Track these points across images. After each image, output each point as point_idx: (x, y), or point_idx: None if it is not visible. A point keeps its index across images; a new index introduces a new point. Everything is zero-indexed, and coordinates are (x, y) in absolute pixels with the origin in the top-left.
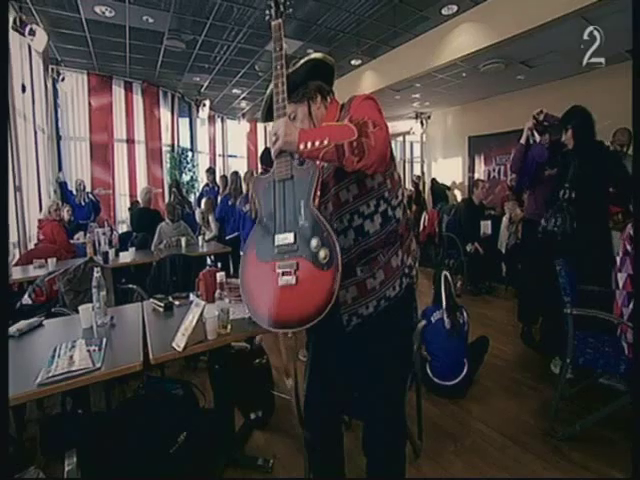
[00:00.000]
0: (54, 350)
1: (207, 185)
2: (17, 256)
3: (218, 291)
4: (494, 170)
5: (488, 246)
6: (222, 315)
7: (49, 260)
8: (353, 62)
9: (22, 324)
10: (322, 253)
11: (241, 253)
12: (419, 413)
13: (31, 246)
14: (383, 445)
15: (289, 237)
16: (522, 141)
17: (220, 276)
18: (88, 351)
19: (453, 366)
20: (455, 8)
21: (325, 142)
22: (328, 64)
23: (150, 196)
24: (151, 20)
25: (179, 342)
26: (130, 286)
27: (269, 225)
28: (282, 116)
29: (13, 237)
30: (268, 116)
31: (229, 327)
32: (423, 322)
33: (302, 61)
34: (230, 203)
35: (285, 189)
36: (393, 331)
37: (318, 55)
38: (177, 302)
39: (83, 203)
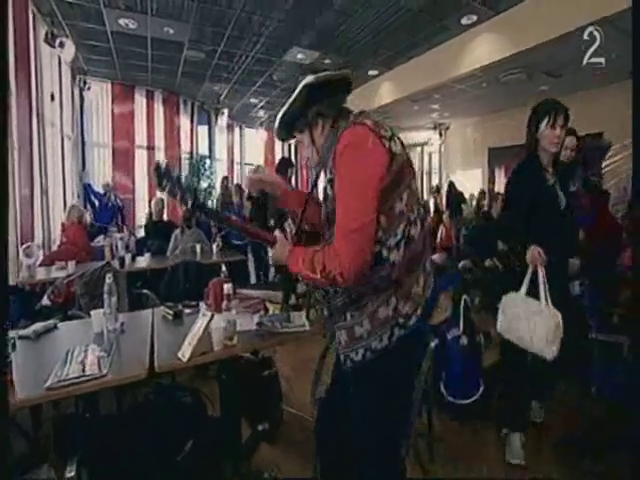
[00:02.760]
0: (67, 354)
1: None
2: (41, 257)
3: (225, 302)
4: None
5: (508, 262)
6: (228, 327)
7: (69, 263)
8: (370, 72)
9: (38, 326)
10: None
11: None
12: (430, 436)
13: (54, 248)
14: None
15: None
16: None
17: (227, 287)
18: (97, 357)
19: (467, 384)
20: (475, 18)
21: (303, 273)
22: (327, 81)
23: (162, 206)
24: (172, 31)
25: (185, 352)
26: (144, 291)
27: None
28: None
29: (38, 239)
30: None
31: (235, 339)
32: (436, 341)
33: (297, 91)
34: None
35: None
36: (379, 385)
37: (309, 79)
38: (187, 310)
39: (110, 205)
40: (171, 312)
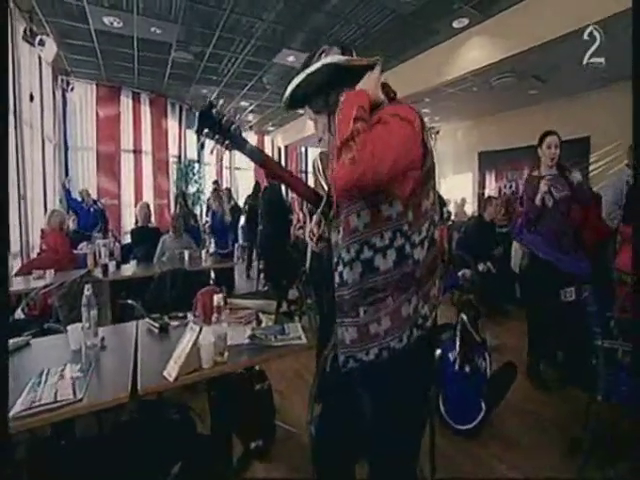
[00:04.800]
0: (39, 375)
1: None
2: (16, 267)
3: (215, 315)
4: (505, 186)
5: (501, 266)
6: (218, 341)
7: (47, 272)
8: None
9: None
10: None
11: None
12: (432, 450)
13: (34, 256)
14: None
15: None
16: (538, 202)
17: (218, 298)
18: (72, 378)
19: (466, 410)
20: (466, 21)
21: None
22: (356, 68)
23: (147, 212)
24: (159, 31)
25: (171, 371)
26: (129, 301)
27: None
28: None
29: (15, 247)
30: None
31: (226, 355)
32: (439, 352)
33: (321, 63)
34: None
35: None
36: (396, 387)
37: (340, 59)
38: (174, 322)
39: (92, 210)
40: (156, 325)
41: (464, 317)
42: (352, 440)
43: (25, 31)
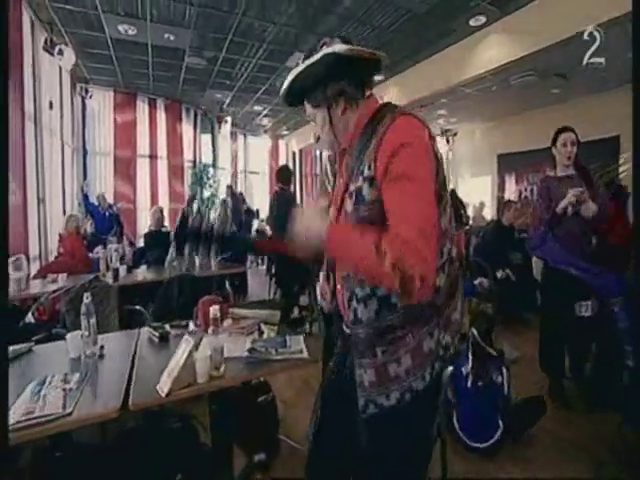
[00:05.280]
0: (38, 384)
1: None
2: (34, 270)
3: (212, 327)
4: (526, 190)
5: (521, 273)
6: (215, 355)
7: (60, 275)
8: (376, 78)
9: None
10: None
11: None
12: (444, 471)
13: (52, 259)
14: None
15: None
16: (559, 211)
17: (214, 310)
18: (64, 390)
19: (482, 427)
20: (483, 19)
21: (359, 256)
22: (359, 57)
23: (160, 216)
24: (172, 37)
25: (163, 386)
26: (137, 307)
27: None
28: None
29: (35, 250)
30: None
31: (222, 368)
32: (450, 369)
33: (320, 54)
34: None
35: None
36: (416, 428)
37: (341, 48)
38: (174, 331)
39: (107, 214)
40: (156, 333)
41: (474, 332)
42: (347, 460)
43: (45, 41)
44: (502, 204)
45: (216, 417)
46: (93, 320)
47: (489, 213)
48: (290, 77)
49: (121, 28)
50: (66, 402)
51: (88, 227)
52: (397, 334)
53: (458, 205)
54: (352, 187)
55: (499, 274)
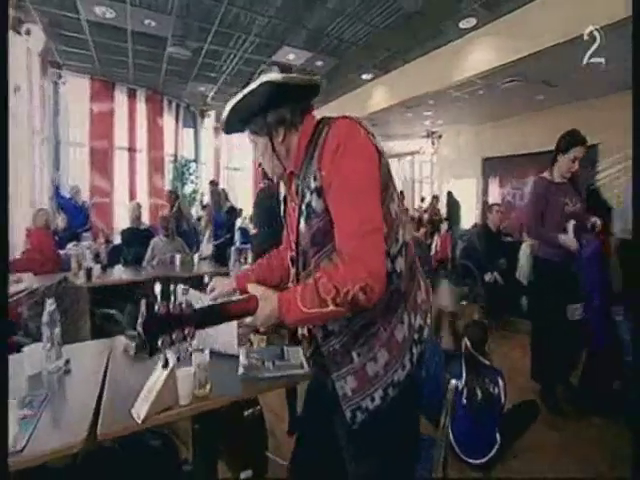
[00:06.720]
0: None
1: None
2: None
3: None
4: (509, 194)
5: (506, 276)
6: (199, 372)
7: (24, 275)
8: (364, 76)
9: None
10: None
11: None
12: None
13: (18, 256)
14: None
15: None
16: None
17: None
18: (18, 419)
19: (479, 443)
20: (474, 21)
21: (311, 316)
22: (295, 85)
23: (138, 212)
24: (154, 24)
25: (139, 410)
26: (112, 312)
27: None
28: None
29: None
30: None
31: (208, 387)
32: (455, 382)
33: (256, 83)
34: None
35: None
36: (404, 424)
37: (273, 76)
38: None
39: (81, 208)
40: (133, 344)
41: (468, 342)
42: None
43: (12, 19)
44: (487, 207)
45: (199, 434)
46: (57, 330)
47: (472, 216)
48: (229, 106)
49: (98, 10)
50: (18, 435)
51: (60, 222)
52: (371, 331)
53: (455, 206)
54: (303, 205)
55: (487, 277)
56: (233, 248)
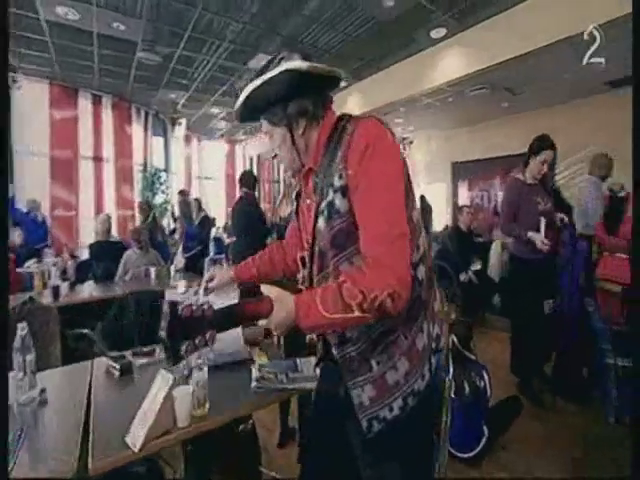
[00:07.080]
0: None
1: None
2: None
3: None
4: (477, 196)
5: (480, 275)
6: (198, 391)
7: None
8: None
9: None
10: None
11: None
12: None
13: None
14: None
15: None
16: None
17: None
18: None
19: (468, 436)
20: (444, 31)
21: (334, 321)
22: (318, 74)
23: (108, 225)
24: (122, 27)
25: (136, 437)
26: (85, 331)
27: None
28: None
29: None
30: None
31: (207, 406)
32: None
33: (278, 70)
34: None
35: None
36: (420, 432)
37: (302, 65)
38: (139, 360)
39: (41, 222)
40: (117, 365)
41: (454, 338)
42: None
43: None
44: (457, 209)
45: (192, 455)
46: (31, 357)
47: (444, 219)
48: (245, 93)
49: (60, 10)
50: None
51: (16, 238)
52: (390, 339)
53: (428, 210)
54: (323, 204)
55: (462, 276)
56: (207, 259)
